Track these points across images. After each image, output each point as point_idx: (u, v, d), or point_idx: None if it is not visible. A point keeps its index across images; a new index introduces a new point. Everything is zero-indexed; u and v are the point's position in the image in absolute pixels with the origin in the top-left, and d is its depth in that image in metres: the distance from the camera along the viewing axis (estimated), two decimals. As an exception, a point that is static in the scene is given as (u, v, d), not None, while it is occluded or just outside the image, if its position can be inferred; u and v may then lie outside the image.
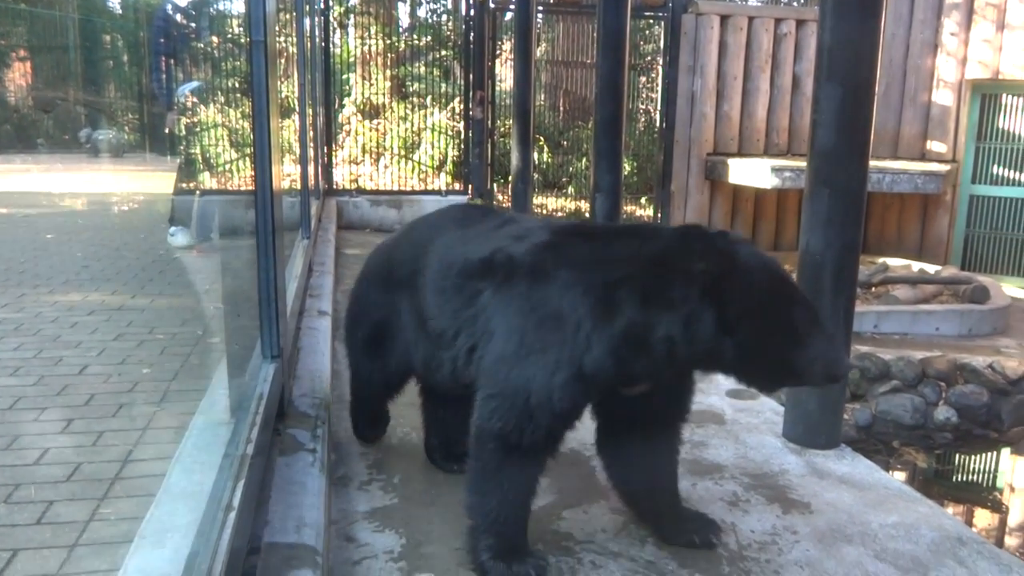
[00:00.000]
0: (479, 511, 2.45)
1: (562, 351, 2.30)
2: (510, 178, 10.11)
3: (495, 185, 11.07)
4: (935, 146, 10.80)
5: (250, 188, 2.83)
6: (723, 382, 4.43)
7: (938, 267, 9.59)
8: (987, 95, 10.68)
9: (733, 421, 3.84)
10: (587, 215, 9.02)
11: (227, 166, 6.08)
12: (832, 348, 2.33)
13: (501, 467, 2.42)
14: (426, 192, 10.70)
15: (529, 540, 2.69)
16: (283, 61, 6.46)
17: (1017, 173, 10.54)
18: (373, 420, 3.34)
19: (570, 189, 12.13)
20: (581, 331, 2.29)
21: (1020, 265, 10.52)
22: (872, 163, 3.59)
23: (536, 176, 11.11)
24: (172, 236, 5.47)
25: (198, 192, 5.78)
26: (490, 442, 2.40)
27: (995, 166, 10.67)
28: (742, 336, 2.22)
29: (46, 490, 2.62)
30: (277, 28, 3.61)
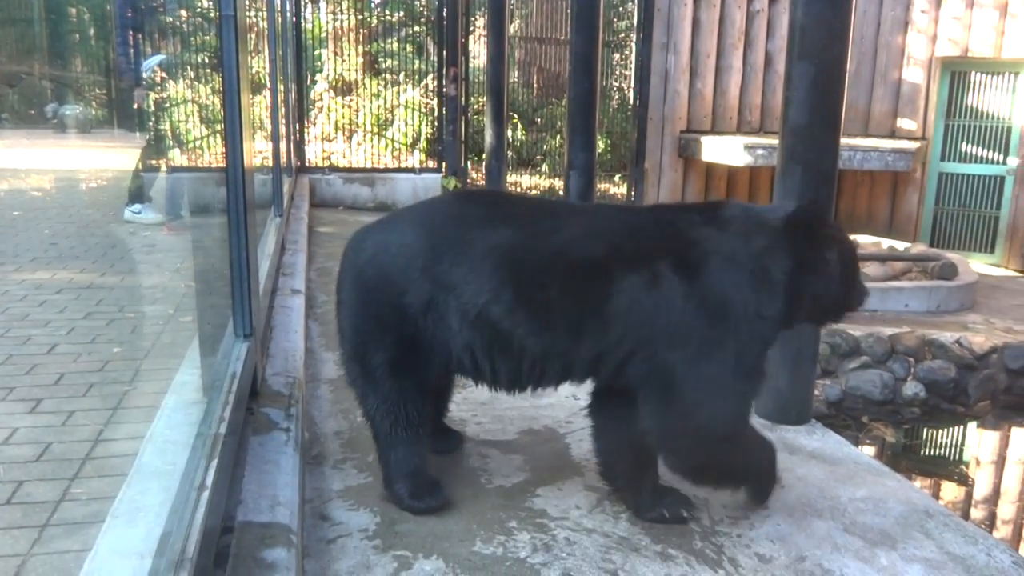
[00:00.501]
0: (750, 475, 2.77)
1: (751, 338, 2.52)
2: (484, 156, 10.08)
3: (469, 163, 11.03)
4: (905, 123, 10.88)
5: (221, 165, 2.80)
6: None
7: (907, 244, 9.69)
8: (956, 72, 10.76)
9: (705, 397, 3.87)
10: (561, 193, 9.02)
11: (197, 143, 6.01)
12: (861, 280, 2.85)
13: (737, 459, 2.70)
14: (400, 170, 10.64)
15: (503, 517, 2.71)
16: (253, 36, 6.37)
17: (985, 150, 10.65)
18: (423, 457, 2.79)
19: (544, 167, 12.12)
20: (756, 312, 2.50)
21: (988, 242, 10.66)
22: (843, 140, 3.61)
23: (510, 154, 11.09)
24: (138, 214, 5.40)
25: (166, 169, 5.71)
26: (727, 439, 2.62)
27: (964, 143, 10.77)
28: (847, 285, 2.69)
29: (16, 470, 2.59)
30: (247, 2, 3.56)
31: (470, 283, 2.51)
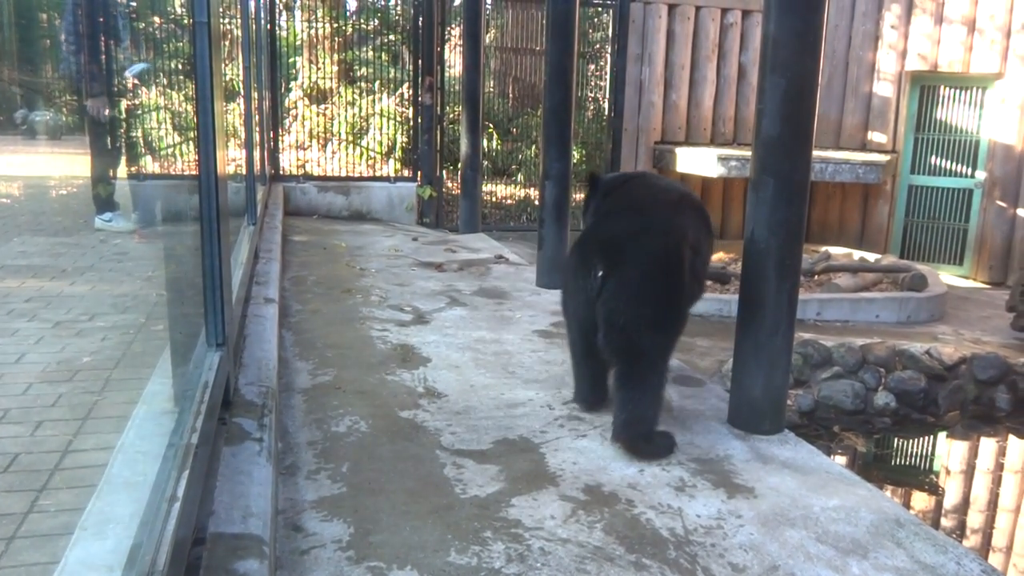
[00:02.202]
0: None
1: None
2: (459, 165, 10.07)
3: (444, 172, 11.02)
4: (876, 136, 11.01)
5: (194, 173, 2.78)
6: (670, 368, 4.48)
7: (878, 255, 9.80)
8: (926, 87, 10.91)
9: (680, 408, 3.89)
10: (536, 203, 9.03)
11: (169, 150, 5.96)
12: None
13: None
14: (374, 178, 10.61)
15: (478, 527, 2.70)
16: (227, 43, 6.33)
17: (954, 164, 10.81)
18: None
19: (519, 176, 12.13)
20: None
21: (956, 254, 10.81)
22: (815, 153, 3.65)
23: (485, 163, 11.09)
24: (108, 222, 5.35)
25: (128, 176, 5.65)
26: None
27: (933, 157, 10.93)
28: None
29: (-18, 482, 2.55)
30: (221, 9, 3.54)
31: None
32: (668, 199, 3.78)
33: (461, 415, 3.66)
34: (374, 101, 11.48)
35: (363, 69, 12.06)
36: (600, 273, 3.34)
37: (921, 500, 5.55)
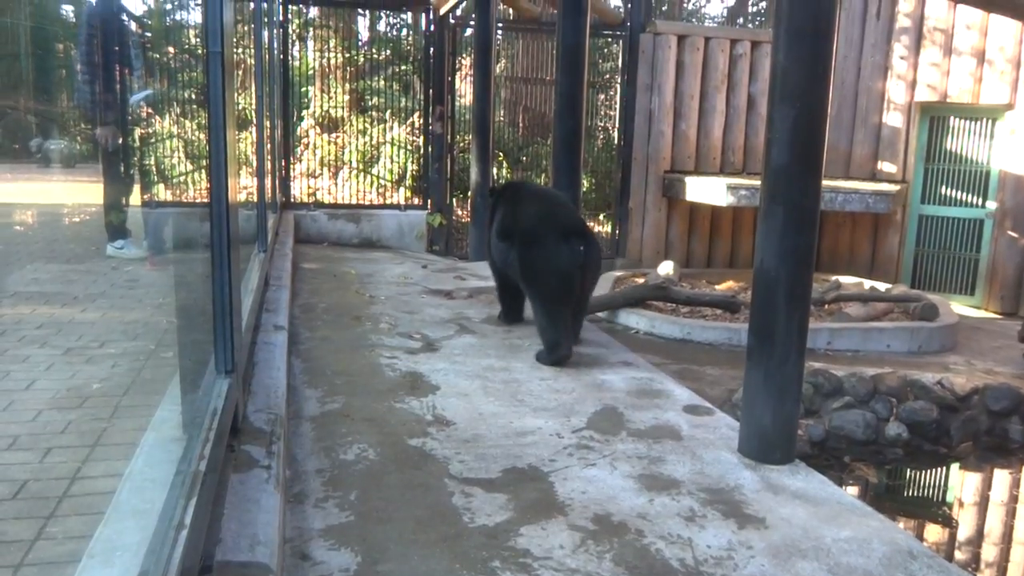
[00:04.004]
0: None
1: None
2: (469, 193, 10.12)
3: (454, 200, 11.07)
4: (886, 166, 11.02)
5: (205, 200, 2.80)
6: (680, 398, 4.46)
7: (888, 285, 9.77)
8: (935, 117, 10.93)
9: (690, 437, 3.87)
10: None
11: (181, 178, 6.01)
12: None
13: None
14: (385, 206, 10.66)
15: (486, 556, 2.68)
16: (240, 73, 6.40)
17: (965, 194, 10.80)
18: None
19: (529, 205, 12.14)
20: None
21: (968, 284, 10.77)
22: (825, 182, 3.66)
23: (495, 191, 11.10)
24: (120, 249, 5.38)
25: (142, 204, 5.69)
26: None
27: (943, 187, 10.92)
28: None
29: (-10, 509, 2.54)
30: (235, 39, 3.58)
31: None
32: (564, 199, 5.57)
33: (470, 443, 3.65)
34: (385, 130, 11.56)
35: (374, 98, 12.16)
36: (582, 248, 4.94)
37: (934, 532, 5.48)
